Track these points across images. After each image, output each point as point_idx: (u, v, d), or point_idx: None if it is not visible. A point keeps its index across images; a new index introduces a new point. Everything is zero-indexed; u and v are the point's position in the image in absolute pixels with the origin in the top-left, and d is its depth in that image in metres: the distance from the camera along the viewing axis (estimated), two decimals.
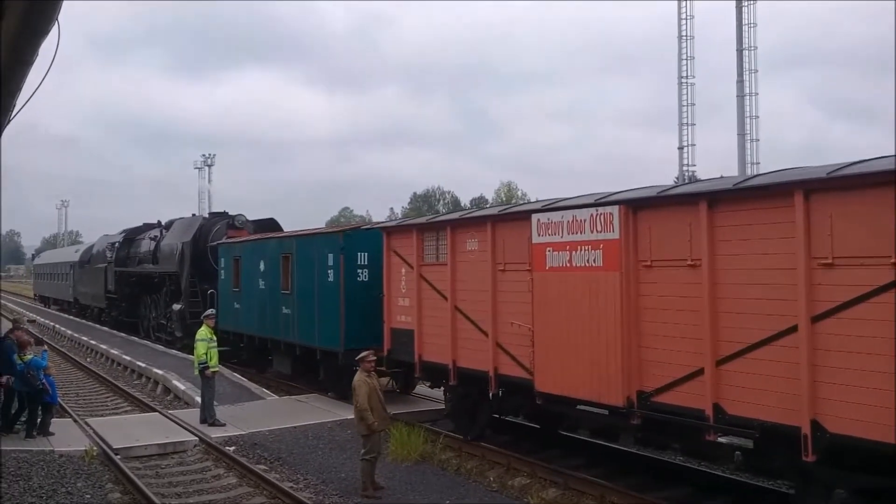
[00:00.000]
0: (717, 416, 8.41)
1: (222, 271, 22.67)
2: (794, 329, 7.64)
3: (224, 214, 26.46)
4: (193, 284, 25.02)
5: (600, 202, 9.85)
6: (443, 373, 13.31)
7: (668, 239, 9.04)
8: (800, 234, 7.58)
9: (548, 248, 10.62)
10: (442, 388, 14.17)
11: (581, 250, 10.07)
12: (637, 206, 9.47)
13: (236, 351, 22.83)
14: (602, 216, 9.77)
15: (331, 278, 16.44)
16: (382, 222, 17.92)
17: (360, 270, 16.20)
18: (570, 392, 10.31)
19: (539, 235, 10.77)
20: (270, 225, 25.95)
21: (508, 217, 11.64)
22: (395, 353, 14.53)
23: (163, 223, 31.09)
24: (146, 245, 30.94)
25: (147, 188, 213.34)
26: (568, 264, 10.28)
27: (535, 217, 10.86)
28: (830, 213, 7.37)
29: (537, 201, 11.31)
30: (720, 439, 8.99)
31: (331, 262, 16.45)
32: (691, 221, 8.71)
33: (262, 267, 19.80)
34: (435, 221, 13.40)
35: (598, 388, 9.79)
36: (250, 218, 26.04)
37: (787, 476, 8.71)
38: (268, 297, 19.36)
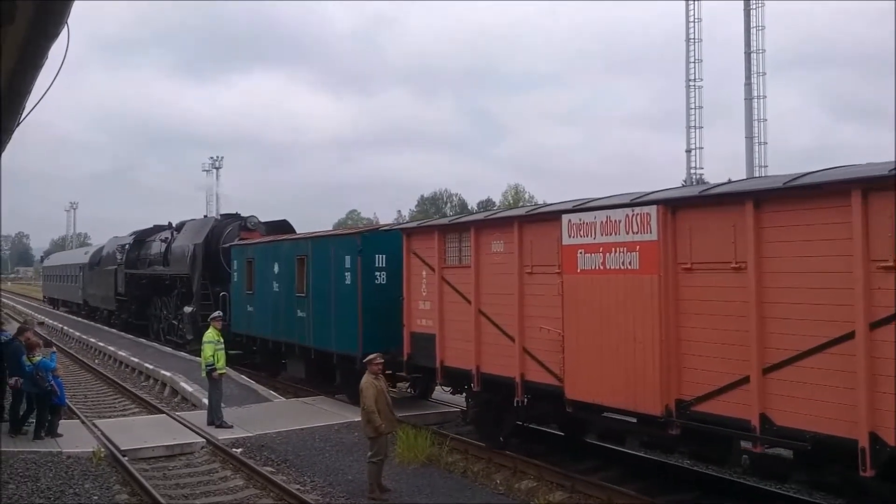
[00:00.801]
0: (765, 426, 7.98)
1: (235, 273, 22.32)
2: (850, 336, 7.21)
3: (236, 216, 26.13)
4: (205, 287, 24.68)
5: (636, 202, 9.44)
6: (465, 379, 12.92)
7: (711, 241, 8.62)
8: (857, 235, 7.15)
9: (579, 251, 10.21)
10: (464, 395, 13.75)
11: (616, 252, 9.66)
12: (676, 206, 9.05)
13: (249, 354, 22.54)
14: (638, 217, 9.36)
15: (348, 281, 16.06)
16: (401, 223, 17.51)
17: (377, 273, 15.82)
18: (603, 400, 9.89)
19: (570, 237, 10.37)
20: (283, 226, 25.59)
21: (537, 218, 11.23)
22: (415, 358, 14.13)
23: (173, 225, 30.82)
24: (157, 247, 30.66)
25: (154, 190, 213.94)
26: (601, 267, 9.87)
27: (565, 217, 10.46)
28: (891, 213, 6.94)
29: (567, 201, 10.90)
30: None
31: (348, 265, 16.08)
32: (736, 222, 8.29)
33: (276, 269, 19.44)
34: (458, 222, 13.01)
35: (634, 397, 9.37)
36: (262, 220, 25.74)
37: (844, 492, 8.27)
38: (282, 300, 19.00)
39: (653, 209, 9.17)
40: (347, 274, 16.10)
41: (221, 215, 26.69)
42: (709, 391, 8.61)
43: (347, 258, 16.12)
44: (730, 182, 8.65)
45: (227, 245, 23.64)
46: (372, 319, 15.52)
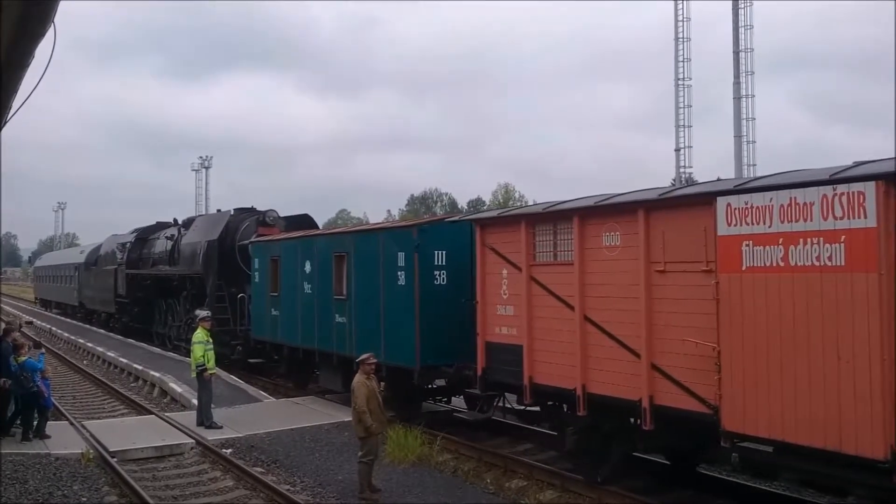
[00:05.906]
0: None
1: (256, 273, 19.95)
2: None
3: (252, 210, 23.79)
4: (219, 288, 22.34)
5: (840, 178, 7.23)
6: (564, 399, 10.73)
7: None
8: None
9: (745, 243, 7.98)
10: (554, 417, 11.49)
11: (805, 244, 7.44)
12: None
13: (272, 363, 20.27)
14: (844, 197, 7.14)
15: (402, 281, 13.80)
16: (468, 214, 15.25)
17: (437, 272, 13.61)
18: (786, 436, 7.63)
19: (730, 225, 8.14)
20: (305, 221, 23.29)
21: (674, 202, 8.98)
22: (491, 373, 11.88)
23: (179, 221, 28.50)
24: (161, 245, 28.33)
25: (143, 192, 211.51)
26: (781, 263, 7.65)
27: (722, 201, 8.23)
28: None
29: (726, 180, 8.70)
30: None
31: (402, 263, 13.82)
32: None
33: (307, 268, 17.14)
34: (554, 210, 10.74)
35: (839, 433, 7.14)
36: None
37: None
38: (316, 304, 16.69)
39: (869, 186, 6.95)
40: (401, 273, 13.84)
41: (236, 210, 24.26)
42: None
43: (401, 255, 13.86)
44: None
45: (247, 242, 21.25)
46: (431, 326, 13.34)
